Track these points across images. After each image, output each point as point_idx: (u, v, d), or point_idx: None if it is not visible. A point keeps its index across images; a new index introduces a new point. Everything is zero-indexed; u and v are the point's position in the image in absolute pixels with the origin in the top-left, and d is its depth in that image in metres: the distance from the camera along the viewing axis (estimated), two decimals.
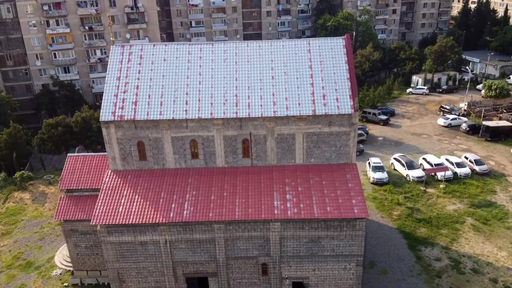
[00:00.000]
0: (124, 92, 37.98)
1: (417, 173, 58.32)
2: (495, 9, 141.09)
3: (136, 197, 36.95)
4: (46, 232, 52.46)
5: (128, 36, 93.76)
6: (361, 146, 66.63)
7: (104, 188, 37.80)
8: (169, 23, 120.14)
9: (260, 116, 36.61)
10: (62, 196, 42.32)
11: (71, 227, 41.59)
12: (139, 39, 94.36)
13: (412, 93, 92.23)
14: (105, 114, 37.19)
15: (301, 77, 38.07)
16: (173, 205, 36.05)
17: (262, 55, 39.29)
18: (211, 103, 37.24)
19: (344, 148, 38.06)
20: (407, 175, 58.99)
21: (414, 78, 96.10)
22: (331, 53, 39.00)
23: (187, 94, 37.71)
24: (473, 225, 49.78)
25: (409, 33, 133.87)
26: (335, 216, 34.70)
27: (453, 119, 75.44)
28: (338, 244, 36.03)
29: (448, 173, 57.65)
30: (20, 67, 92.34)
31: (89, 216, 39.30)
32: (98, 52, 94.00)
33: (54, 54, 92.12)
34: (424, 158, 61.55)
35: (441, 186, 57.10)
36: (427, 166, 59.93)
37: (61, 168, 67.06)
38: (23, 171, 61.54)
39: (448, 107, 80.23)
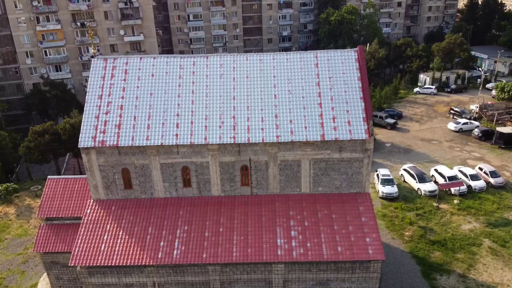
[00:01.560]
0: (106, 113, 32.88)
1: (429, 186, 53.41)
2: (503, 2, 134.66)
3: (121, 232, 32.13)
4: (30, 254, 47.73)
5: (122, 32, 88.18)
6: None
7: (85, 221, 32.97)
8: (165, 16, 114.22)
9: (261, 141, 31.60)
10: (42, 224, 37.54)
11: (52, 259, 36.89)
12: (133, 35, 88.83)
13: (420, 93, 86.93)
14: (85, 139, 32.15)
15: (307, 96, 32.94)
16: (162, 243, 31.23)
17: (263, 70, 34.09)
18: (206, 126, 32.18)
19: (356, 176, 33.11)
20: (418, 188, 54.11)
21: (422, 76, 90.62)
22: (342, 68, 33.78)
23: (178, 115, 32.62)
24: (491, 248, 45.06)
25: (414, 27, 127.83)
26: (347, 258, 29.93)
27: (464, 123, 70.30)
28: (350, 287, 31.36)
29: (463, 188, 52.79)
30: (10, 65, 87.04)
31: (72, 247, 34.63)
32: (90, 49, 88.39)
33: (45, 51, 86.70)
34: (436, 170, 56.63)
35: (455, 201, 52.26)
36: (439, 179, 55.09)
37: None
38: (8, 184, 56.67)
39: (458, 110, 75.02)
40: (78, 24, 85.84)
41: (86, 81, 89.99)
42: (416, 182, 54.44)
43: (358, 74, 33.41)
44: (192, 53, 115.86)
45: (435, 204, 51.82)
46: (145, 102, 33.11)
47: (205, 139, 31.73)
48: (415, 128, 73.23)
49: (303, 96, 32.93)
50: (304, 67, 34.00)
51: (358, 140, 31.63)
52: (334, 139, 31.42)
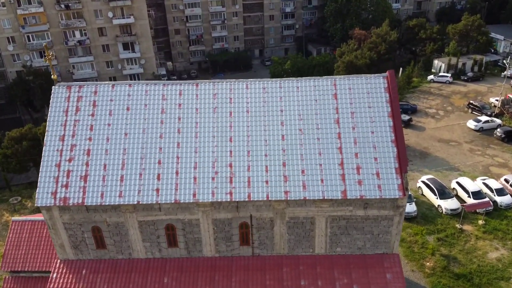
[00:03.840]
0: (69, 161, 25.33)
1: (451, 204, 46.28)
2: None
3: None
4: None
5: (110, 15, 78.82)
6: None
7: None
8: None
9: (265, 198, 24.26)
10: (7, 277, 30.91)
11: None
12: (123, 17, 79.40)
13: (434, 81, 78.31)
14: (43, 195, 24.72)
15: (324, 137, 25.26)
16: None
17: (268, 102, 26.23)
18: (194, 178, 24.71)
19: (383, 235, 25.97)
20: (439, 206, 47.01)
21: (436, 63, 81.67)
22: (368, 100, 25.92)
23: (159, 163, 25.09)
24: None
25: (425, 2, 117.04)
26: None
27: (485, 121, 62.37)
28: None
29: (489, 207, 45.83)
30: None
31: None
32: (77, 33, 79.32)
33: (28, 37, 77.64)
34: (458, 183, 49.38)
35: (480, 222, 45.36)
36: (461, 193, 48.03)
37: (31, 183, 55.80)
38: None
39: (478, 104, 66.86)
40: (62, 6, 76.36)
41: (73, 67, 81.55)
42: (437, 198, 47.27)
43: (388, 108, 25.60)
44: (189, 32, 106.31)
45: (458, 226, 44.95)
46: (118, 145, 25.48)
47: (194, 195, 24.34)
48: (431, 125, 65.39)
49: (318, 137, 25.26)
50: (319, 98, 26.10)
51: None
52: (359, 197, 24.04)
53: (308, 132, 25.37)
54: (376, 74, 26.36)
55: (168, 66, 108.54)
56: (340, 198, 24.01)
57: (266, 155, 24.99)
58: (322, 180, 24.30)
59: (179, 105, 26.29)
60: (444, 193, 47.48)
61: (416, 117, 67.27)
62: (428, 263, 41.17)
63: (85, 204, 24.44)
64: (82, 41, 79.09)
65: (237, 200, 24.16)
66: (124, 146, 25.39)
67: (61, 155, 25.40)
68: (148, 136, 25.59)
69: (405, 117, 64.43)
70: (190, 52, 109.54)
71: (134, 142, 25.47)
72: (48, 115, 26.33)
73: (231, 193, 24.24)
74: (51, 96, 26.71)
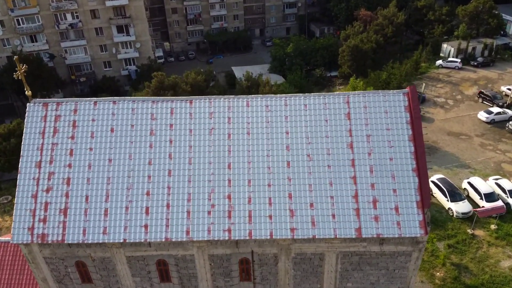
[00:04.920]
0: (47, 191, 22.10)
1: (462, 207, 43.36)
2: None
3: None
4: None
5: None
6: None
7: None
8: None
9: (268, 236, 21.16)
10: None
11: None
12: None
13: (443, 67, 74.06)
14: (19, 231, 21.62)
15: (335, 164, 21.95)
16: None
17: (271, 123, 22.75)
18: (188, 212, 21.55)
19: (399, 271, 23.03)
20: (449, 208, 44.14)
21: (445, 46, 77.13)
22: (385, 121, 22.44)
23: (148, 194, 21.88)
24: None
25: None
26: None
27: (497, 113, 58.72)
28: None
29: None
30: None
31: None
32: (68, 16, 74.47)
33: (17, 20, 72.93)
34: (469, 183, 46.34)
35: (493, 226, 42.55)
36: (473, 194, 45.11)
37: None
38: None
39: (489, 94, 62.98)
40: None
41: (66, 51, 77.13)
42: (447, 201, 44.36)
43: (409, 131, 22.16)
44: (186, 11, 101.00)
45: (469, 232, 42.17)
46: (102, 173, 22.19)
47: (187, 232, 21.24)
48: (440, 116, 61.78)
49: (329, 164, 21.93)
50: (330, 118, 22.60)
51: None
52: (375, 235, 20.93)
53: (317, 158, 22.01)
54: (395, 91, 22.72)
55: (165, 46, 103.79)
56: (354, 236, 20.91)
57: (269, 185, 21.73)
58: (333, 215, 21.15)
59: (171, 125, 22.83)
60: (455, 195, 44.51)
61: (425, 107, 63.55)
62: (438, 273, 38.60)
63: (65, 241, 21.38)
64: (74, 24, 74.42)
65: (236, 238, 21.06)
66: (108, 174, 22.10)
67: (37, 184, 22.15)
68: (135, 163, 22.26)
69: None
70: (188, 32, 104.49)
71: (119, 169, 22.16)
72: (23, 137, 22.89)
73: (229, 230, 21.13)
74: (26, 115, 23.15)
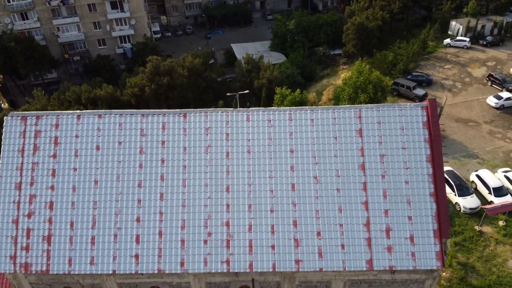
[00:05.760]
0: (29, 216, 19.97)
1: (470, 202, 41.40)
2: None
3: None
4: None
5: None
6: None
7: None
8: None
9: (271, 269, 19.19)
10: None
11: None
12: None
13: (451, 46, 70.52)
14: (0, 260, 19.77)
15: (345, 188, 19.70)
16: None
17: (274, 140, 20.33)
18: (182, 241, 19.48)
19: None
20: (456, 203, 42.17)
21: (454, 24, 73.19)
22: (401, 139, 20.01)
23: (138, 220, 19.75)
24: None
25: None
26: None
27: (506, 98, 55.88)
28: None
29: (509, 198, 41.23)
30: None
31: None
32: None
33: None
34: (478, 176, 44.26)
35: (501, 223, 40.81)
36: (481, 187, 43.07)
37: None
38: None
39: (499, 77, 59.89)
40: None
41: (58, 29, 73.38)
42: (455, 195, 42.39)
43: (427, 150, 19.78)
44: None
45: (477, 229, 40.45)
46: (87, 196, 19.97)
47: (182, 264, 19.25)
48: (448, 100, 58.80)
49: (339, 188, 19.69)
50: (340, 135, 20.17)
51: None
52: (387, 267, 18.96)
53: (325, 181, 19.75)
54: (413, 104, 20.19)
55: (162, 20, 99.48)
56: (365, 269, 18.94)
57: (272, 211, 19.58)
58: (343, 246, 19.10)
59: (163, 142, 20.44)
60: (463, 189, 42.51)
61: (432, 90, 60.63)
62: (444, 273, 37.07)
63: (50, 271, 19.46)
64: (65, 0, 70.36)
65: (235, 271, 19.10)
66: (94, 198, 19.90)
67: (18, 209, 20.00)
68: (123, 185, 20.01)
69: (420, 92, 57.97)
70: (185, 5, 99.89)
71: (106, 192, 19.94)
72: (1, 155, 20.54)
73: (228, 262, 19.14)
74: (3, 130, 20.71)
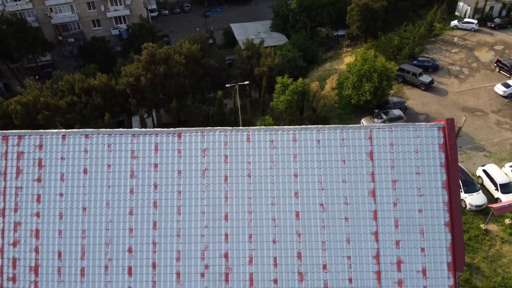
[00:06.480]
0: (14, 245, 18.45)
1: (477, 199, 40.12)
2: None
3: None
4: None
5: None
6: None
7: None
8: None
9: None
10: None
11: None
12: None
13: (458, 28, 67.61)
14: None
15: (354, 216, 18.05)
16: None
17: (277, 162, 18.53)
18: (178, 273, 18.00)
19: None
20: (462, 200, 40.94)
21: (461, 5, 69.99)
22: (415, 163, 18.22)
23: (130, 251, 18.21)
24: None
25: None
26: None
27: None
28: None
29: None
30: None
31: None
32: None
33: None
34: (484, 171, 42.79)
35: (507, 221, 39.59)
36: (487, 183, 41.84)
37: None
38: None
39: (507, 63, 57.44)
40: None
41: (51, 10, 70.25)
42: (461, 191, 41.01)
43: (443, 176, 18.05)
44: None
45: (482, 227, 39.24)
46: (75, 224, 18.37)
47: None
48: (454, 88, 56.75)
49: (347, 217, 18.07)
50: (349, 158, 18.37)
51: None
52: None
53: (332, 209, 18.11)
54: (428, 124, 18.32)
55: None
56: None
57: (274, 241, 18.03)
58: (350, 280, 17.65)
59: (155, 165, 18.67)
60: (469, 185, 41.12)
61: (438, 76, 58.39)
62: None
63: None
64: None
65: None
66: (82, 226, 18.31)
67: (2, 237, 18.46)
68: (113, 212, 18.37)
69: (426, 78, 55.68)
70: None
71: (95, 220, 18.33)
72: None
73: None
74: None
